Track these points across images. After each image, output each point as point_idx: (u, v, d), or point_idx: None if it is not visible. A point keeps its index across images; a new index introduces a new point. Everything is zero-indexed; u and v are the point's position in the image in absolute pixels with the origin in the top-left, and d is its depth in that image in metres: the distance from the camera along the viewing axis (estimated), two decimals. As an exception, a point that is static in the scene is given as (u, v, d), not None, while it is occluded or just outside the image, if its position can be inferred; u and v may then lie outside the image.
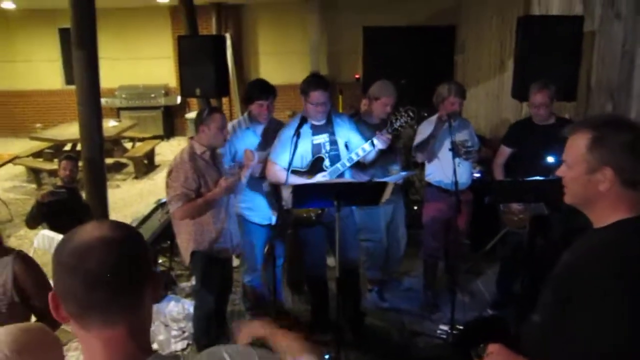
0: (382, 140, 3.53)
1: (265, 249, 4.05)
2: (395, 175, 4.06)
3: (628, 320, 1.39)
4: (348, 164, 3.64)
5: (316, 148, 3.70)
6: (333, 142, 3.69)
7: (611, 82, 4.53)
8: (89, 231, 1.07)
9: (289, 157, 3.54)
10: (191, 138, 3.53)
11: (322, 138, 3.70)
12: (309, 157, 3.68)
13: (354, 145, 3.70)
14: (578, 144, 1.53)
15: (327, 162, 3.67)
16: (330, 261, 4.13)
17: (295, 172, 3.64)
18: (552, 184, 3.63)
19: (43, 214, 4.90)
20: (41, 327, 1.57)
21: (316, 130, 3.70)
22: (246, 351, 1.21)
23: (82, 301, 1.04)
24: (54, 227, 4.76)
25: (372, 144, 3.57)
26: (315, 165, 3.68)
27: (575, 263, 1.55)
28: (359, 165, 3.90)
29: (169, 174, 3.38)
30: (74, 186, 5.24)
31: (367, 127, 4.01)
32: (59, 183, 5.22)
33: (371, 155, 3.73)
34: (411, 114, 3.51)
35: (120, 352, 1.07)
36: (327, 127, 3.70)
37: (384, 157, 4.01)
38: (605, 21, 4.64)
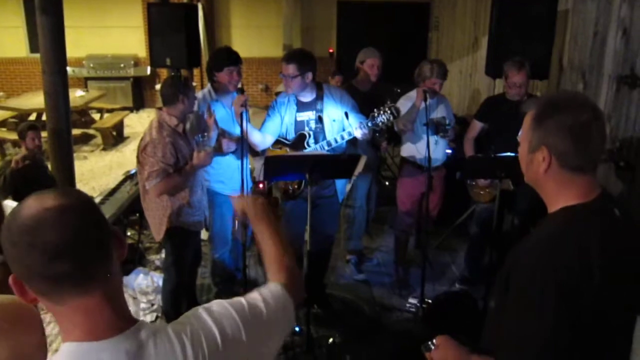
0: (361, 133, 3.47)
1: (236, 222, 4.00)
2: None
3: (551, 316, 1.33)
4: (327, 148, 3.59)
5: (299, 125, 3.66)
6: (318, 120, 3.64)
7: (583, 61, 4.58)
8: (35, 204, 1.00)
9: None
10: (159, 109, 3.40)
11: (307, 115, 3.65)
12: (292, 133, 3.66)
13: (346, 123, 3.62)
14: (525, 122, 1.48)
15: (311, 140, 3.64)
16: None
17: (278, 143, 3.69)
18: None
19: (14, 183, 4.73)
20: (16, 301, 1.47)
21: (302, 107, 3.66)
22: (224, 310, 1.20)
23: (48, 276, 0.98)
24: (19, 200, 4.63)
25: (350, 134, 3.52)
26: (299, 142, 3.66)
27: (517, 250, 1.50)
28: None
29: (144, 148, 3.24)
30: (39, 157, 5.10)
31: (359, 95, 3.95)
32: (23, 154, 5.05)
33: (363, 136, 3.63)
34: (394, 111, 3.42)
35: (99, 320, 1.04)
36: (315, 104, 3.64)
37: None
38: (578, 1, 4.67)
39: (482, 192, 4.06)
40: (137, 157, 3.32)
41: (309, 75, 3.55)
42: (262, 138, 3.72)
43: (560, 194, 1.45)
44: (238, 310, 1.21)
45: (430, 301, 3.92)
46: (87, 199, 1.08)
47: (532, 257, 1.40)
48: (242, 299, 1.26)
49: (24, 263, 0.98)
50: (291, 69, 3.51)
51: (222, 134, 3.69)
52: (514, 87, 3.94)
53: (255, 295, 1.29)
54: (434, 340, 1.65)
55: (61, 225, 0.98)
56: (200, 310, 1.18)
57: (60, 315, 1.04)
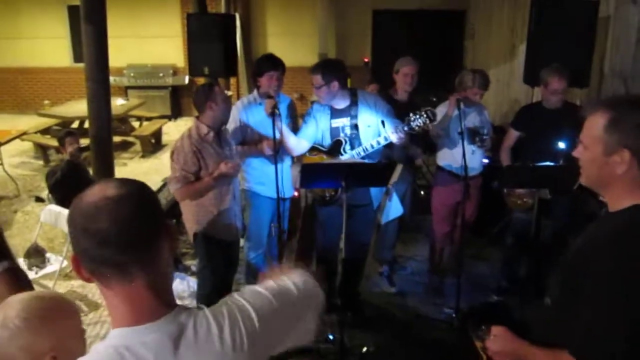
0: (397, 137, 3.45)
1: (273, 226, 4.02)
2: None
3: (626, 308, 1.37)
4: (363, 154, 3.60)
5: (334, 131, 3.70)
6: (354, 126, 3.66)
7: (625, 68, 4.49)
8: (97, 192, 1.09)
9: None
10: (196, 117, 3.46)
11: (342, 122, 3.69)
12: (328, 139, 3.70)
13: (382, 129, 3.61)
14: (595, 125, 1.48)
15: (347, 146, 3.66)
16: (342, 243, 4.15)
17: (315, 150, 3.73)
18: (561, 170, 3.63)
19: (65, 181, 4.90)
20: (56, 295, 1.56)
21: (335, 114, 3.69)
22: (256, 292, 1.25)
23: (96, 259, 1.07)
24: (61, 202, 4.78)
25: (387, 139, 3.51)
26: (335, 148, 3.69)
27: (585, 246, 1.53)
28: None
29: (172, 155, 3.36)
30: (80, 161, 5.25)
31: (394, 104, 3.94)
32: (66, 158, 5.21)
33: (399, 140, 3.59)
34: (431, 115, 3.38)
35: (141, 306, 1.10)
36: (350, 110, 3.67)
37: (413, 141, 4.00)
38: (620, 6, 4.58)
39: (519, 202, 4.00)
40: (170, 163, 3.42)
41: (335, 84, 3.57)
42: (298, 143, 3.77)
43: (631, 194, 1.48)
44: (269, 289, 1.27)
45: (465, 311, 3.87)
46: (145, 191, 1.15)
47: (611, 249, 1.42)
48: (271, 281, 1.32)
49: (80, 244, 1.08)
50: (316, 79, 3.59)
51: (260, 138, 3.76)
52: (554, 94, 3.87)
53: (284, 278, 1.35)
54: (485, 328, 1.65)
55: (115, 214, 1.06)
56: (235, 294, 1.24)
57: (108, 298, 1.12)
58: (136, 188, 1.12)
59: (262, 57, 4.07)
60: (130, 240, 1.07)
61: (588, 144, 1.51)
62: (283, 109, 3.84)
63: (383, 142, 3.55)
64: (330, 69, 3.61)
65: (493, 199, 4.40)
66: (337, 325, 3.53)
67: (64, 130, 5.34)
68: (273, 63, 3.81)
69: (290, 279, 1.35)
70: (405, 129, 3.43)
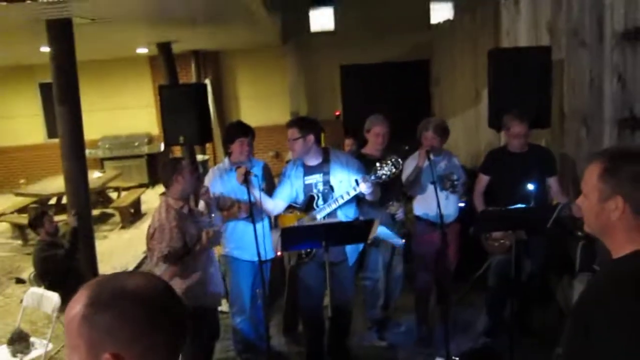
0: (366, 186, 3.53)
1: (257, 291, 4.04)
2: (389, 233, 4.10)
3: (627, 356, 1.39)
4: (334, 205, 3.68)
5: (307, 188, 3.78)
6: (326, 182, 3.75)
7: (583, 107, 4.69)
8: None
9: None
10: (163, 194, 3.50)
11: (314, 178, 3.78)
12: (302, 196, 3.79)
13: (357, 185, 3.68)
14: (592, 174, 1.57)
15: (320, 201, 3.74)
16: (326, 300, 4.15)
17: (290, 207, 3.81)
18: (532, 212, 3.74)
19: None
20: None
21: (309, 171, 3.79)
22: None
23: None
24: (48, 280, 4.74)
25: (355, 189, 3.59)
26: (309, 204, 3.77)
27: (589, 294, 1.57)
28: (364, 201, 3.90)
29: (152, 236, 3.31)
30: (59, 240, 5.23)
31: (368, 161, 4.02)
32: (42, 238, 5.18)
33: (370, 193, 3.65)
34: (395, 163, 3.49)
35: None
36: (322, 167, 3.77)
37: (383, 194, 4.04)
38: (571, 50, 4.83)
39: (496, 244, 4.09)
40: (147, 243, 3.39)
41: (311, 138, 3.70)
42: (274, 205, 3.85)
43: (630, 240, 1.53)
44: None
45: (456, 359, 3.88)
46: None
47: (613, 297, 1.46)
48: None
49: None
50: (292, 132, 3.72)
51: (233, 203, 3.82)
52: (517, 138, 4.03)
53: None
54: None
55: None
56: None
57: None
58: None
59: (231, 124, 4.21)
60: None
61: (587, 192, 1.59)
62: (258, 172, 3.92)
63: (353, 193, 3.62)
64: (307, 124, 3.76)
65: (473, 243, 4.48)
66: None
67: (35, 212, 5.31)
68: (242, 129, 3.95)
69: None
70: (372, 178, 3.52)
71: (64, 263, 4.94)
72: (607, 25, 4.24)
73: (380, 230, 4.04)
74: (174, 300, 1.11)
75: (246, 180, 3.56)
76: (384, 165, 3.50)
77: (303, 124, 3.75)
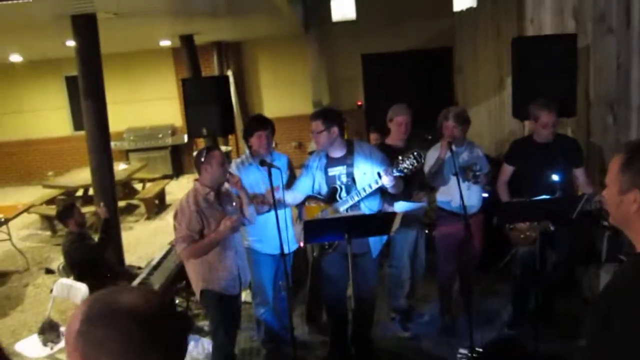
0: (389, 179, 3.53)
1: (281, 284, 4.10)
2: (412, 205, 4.13)
3: None
4: (356, 198, 3.68)
5: (331, 179, 3.80)
6: (349, 174, 3.76)
7: (609, 95, 4.60)
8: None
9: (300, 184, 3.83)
10: (196, 180, 3.63)
11: (338, 170, 3.79)
12: (325, 188, 3.80)
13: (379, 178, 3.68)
14: (614, 166, 1.57)
15: (343, 193, 3.75)
16: (350, 291, 4.18)
17: (312, 199, 3.83)
18: (557, 202, 3.70)
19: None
20: None
21: (332, 163, 3.81)
22: None
23: None
24: (77, 271, 4.84)
25: (377, 182, 3.59)
26: (332, 196, 3.79)
27: (611, 287, 1.58)
28: (387, 193, 3.91)
29: (175, 216, 3.50)
30: (87, 232, 5.32)
31: (392, 152, 4.03)
32: (71, 230, 5.28)
33: (393, 186, 3.65)
34: (417, 157, 3.48)
35: None
36: (346, 159, 3.78)
37: (407, 186, 4.05)
38: (597, 36, 4.73)
39: (522, 236, 4.05)
40: (173, 224, 3.54)
41: (335, 130, 3.70)
42: (292, 196, 3.90)
43: None
44: None
45: (480, 350, 3.87)
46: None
47: (633, 290, 1.46)
48: None
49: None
50: (317, 124, 3.72)
51: (254, 196, 3.85)
52: (545, 128, 3.96)
53: None
54: None
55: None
56: None
57: None
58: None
59: (251, 118, 4.25)
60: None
61: (609, 183, 1.60)
62: (282, 166, 3.95)
63: (375, 186, 3.63)
64: (331, 116, 3.75)
65: (497, 233, 4.45)
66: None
67: (63, 205, 5.39)
68: (261, 122, 3.98)
69: None
70: (394, 171, 3.52)
71: (93, 254, 5.03)
72: (635, 10, 4.15)
73: (403, 206, 4.05)
74: (170, 317, 1.11)
75: (269, 173, 3.60)
76: (406, 158, 3.49)
77: (327, 116, 3.75)
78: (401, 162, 3.51)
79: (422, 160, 3.57)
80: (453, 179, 3.98)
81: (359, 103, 11.38)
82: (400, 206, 4.15)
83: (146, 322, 1.07)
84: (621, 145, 1.65)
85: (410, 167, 3.49)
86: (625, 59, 4.35)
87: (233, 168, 3.97)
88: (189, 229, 3.41)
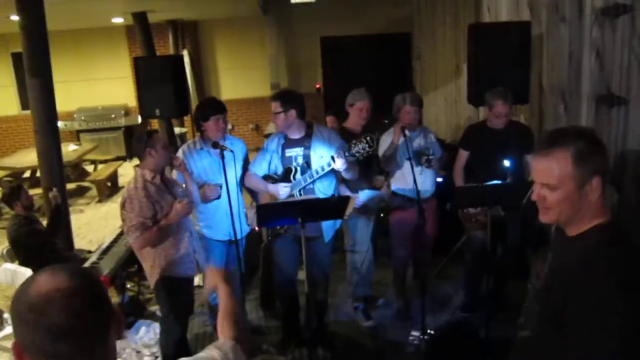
0: (341, 162, 3.52)
1: (233, 268, 4.03)
2: (376, 192, 4.14)
3: (624, 325, 1.41)
4: (309, 180, 3.67)
5: (287, 160, 3.78)
6: (306, 156, 3.74)
7: (561, 83, 4.68)
8: (45, 282, 1.07)
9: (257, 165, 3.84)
10: (137, 166, 3.49)
11: (295, 151, 3.77)
12: (281, 168, 3.78)
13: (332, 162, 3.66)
14: (561, 165, 1.54)
15: (297, 175, 3.73)
16: (302, 274, 4.15)
17: (268, 178, 3.80)
18: (508, 188, 3.76)
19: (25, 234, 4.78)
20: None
21: (290, 144, 3.78)
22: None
23: (48, 353, 1.05)
24: (23, 255, 4.66)
25: (329, 164, 3.58)
26: (286, 176, 3.76)
27: (559, 275, 1.57)
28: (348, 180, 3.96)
29: (123, 205, 3.34)
30: (32, 215, 5.13)
31: (349, 136, 4.01)
32: (18, 212, 5.07)
33: (346, 170, 3.65)
34: (370, 141, 3.46)
35: None
36: (304, 141, 3.76)
37: (364, 169, 4.07)
38: (551, 25, 4.80)
39: (473, 220, 4.12)
40: (120, 214, 3.40)
41: (293, 113, 3.67)
42: (247, 177, 3.90)
43: (594, 216, 1.57)
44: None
45: (432, 332, 3.93)
46: (94, 281, 1.15)
47: (598, 273, 1.48)
48: (202, 353, 1.49)
49: (27, 336, 1.05)
50: (275, 105, 3.69)
51: (201, 186, 3.78)
52: (499, 117, 4.01)
53: (212, 351, 1.50)
54: None
55: (67, 308, 1.04)
56: None
57: None
58: (85, 280, 1.11)
59: (204, 101, 4.12)
60: (85, 333, 1.06)
61: (557, 184, 1.55)
62: (237, 151, 3.87)
63: (327, 168, 3.61)
64: (290, 99, 3.70)
65: (452, 217, 4.50)
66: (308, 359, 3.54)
67: (9, 187, 5.17)
68: (217, 106, 3.86)
69: (218, 346, 1.52)
70: (347, 154, 3.51)
71: (42, 239, 4.86)
72: (587, 0, 4.22)
73: (366, 194, 4.07)
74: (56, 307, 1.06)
75: (222, 156, 3.52)
76: (359, 142, 3.47)
77: (285, 98, 3.70)
78: (353, 145, 3.49)
79: (375, 145, 3.56)
80: (406, 164, 4.00)
81: (318, 86, 11.31)
82: (364, 194, 4.16)
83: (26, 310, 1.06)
84: (545, 147, 1.61)
85: (362, 151, 3.47)
86: (577, 48, 4.43)
87: (180, 154, 3.86)
88: (141, 216, 3.28)
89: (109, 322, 1.12)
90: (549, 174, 1.56)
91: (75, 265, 1.19)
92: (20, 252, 4.93)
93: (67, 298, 1.05)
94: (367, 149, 3.47)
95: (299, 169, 3.74)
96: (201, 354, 1.47)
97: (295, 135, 3.77)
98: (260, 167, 3.85)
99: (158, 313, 4.70)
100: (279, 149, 3.80)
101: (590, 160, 1.53)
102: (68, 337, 1.04)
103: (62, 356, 1.05)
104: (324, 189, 3.75)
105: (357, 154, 3.50)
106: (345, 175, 3.72)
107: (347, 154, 3.51)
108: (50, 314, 1.03)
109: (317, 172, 3.65)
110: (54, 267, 1.11)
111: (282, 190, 3.67)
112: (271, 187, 3.74)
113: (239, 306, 1.71)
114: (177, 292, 3.53)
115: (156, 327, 4.35)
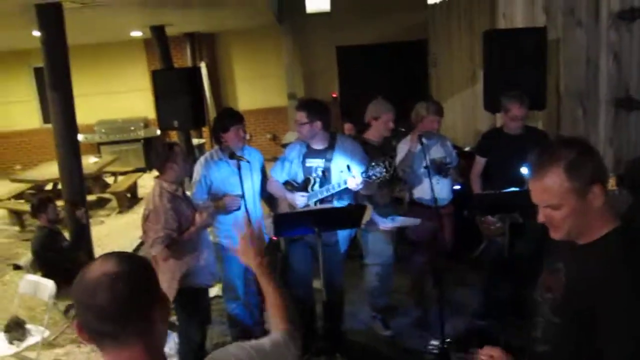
0: (355, 183, 3.46)
1: (250, 277, 4.05)
2: (408, 220, 4.11)
3: None
4: (325, 193, 3.65)
5: (307, 170, 3.76)
6: (326, 169, 3.71)
7: (579, 88, 4.65)
8: (97, 267, 1.20)
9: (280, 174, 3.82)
10: (157, 177, 3.50)
11: (316, 162, 3.75)
12: (301, 177, 3.77)
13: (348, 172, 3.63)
14: (556, 183, 1.52)
15: (316, 186, 3.72)
16: (317, 283, 4.15)
17: (287, 184, 3.80)
18: (526, 195, 3.71)
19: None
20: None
21: (311, 153, 3.77)
22: (239, 347, 1.49)
23: (96, 331, 1.19)
24: (45, 267, 4.74)
25: (345, 182, 3.53)
26: (304, 186, 3.75)
27: (588, 282, 1.54)
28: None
29: (147, 217, 3.36)
30: (56, 227, 5.21)
31: (370, 148, 4.00)
32: (43, 224, 5.16)
33: (362, 189, 3.58)
34: (387, 166, 3.38)
35: None
36: (326, 152, 3.73)
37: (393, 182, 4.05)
38: (567, 29, 4.77)
39: (492, 227, 4.08)
40: (142, 226, 3.41)
41: (318, 124, 3.65)
42: (268, 184, 3.92)
43: (605, 222, 1.55)
44: (252, 345, 1.51)
45: (450, 341, 3.90)
46: (138, 265, 1.24)
47: (627, 281, 1.45)
48: (252, 341, 1.54)
49: (81, 315, 1.21)
50: (301, 115, 3.67)
51: (223, 195, 3.81)
52: (515, 121, 3.98)
53: (264, 340, 1.59)
54: (476, 350, 1.70)
55: (112, 291, 1.16)
56: (220, 349, 1.48)
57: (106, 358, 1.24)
58: (132, 264, 1.21)
59: (222, 113, 4.15)
60: (127, 315, 1.17)
61: (559, 202, 1.54)
62: (255, 162, 3.90)
63: (343, 186, 3.57)
64: (316, 109, 3.68)
65: (470, 224, 4.47)
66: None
67: (37, 199, 5.27)
68: (236, 117, 3.88)
69: (271, 338, 1.57)
70: (363, 175, 3.45)
71: (64, 253, 4.95)
72: (604, 4, 4.19)
73: (399, 221, 4.07)
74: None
75: (238, 167, 3.55)
76: (376, 166, 3.40)
77: (312, 109, 3.67)
78: (371, 168, 3.43)
79: (391, 171, 3.45)
80: (423, 172, 3.99)
81: (334, 95, 11.35)
82: (396, 221, 4.11)
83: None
84: (537, 168, 1.60)
85: (379, 175, 3.39)
86: (594, 52, 4.40)
87: (201, 166, 3.88)
88: (167, 228, 3.30)
89: (153, 305, 1.21)
90: (549, 195, 1.54)
91: (128, 252, 1.26)
92: (43, 264, 5.01)
93: (113, 281, 1.16)
94: (384, 173, 3.39)
95: (317, 180, 3.72)
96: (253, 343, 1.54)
97: (318, 145, 3.75)
98: (280, 174, 3.85)
99: (177, 323, 4.73)
100: (300, 157, 3.79)
101: (584, 168, 1.50)
102: (110, 318, 1.16)
103: (107, 334, 1.18)
104: (341, 199, 3.74)
105: (373, 177, 3.42)
106: (362, 192, 3.68)
107: (363, 175, 3.45)
108: (98, 297, 1.15)
109: (334, 188, 3.64)
110: (108, 253, 1.24)
111: (299, 200, 3.67)
112: (289, 195, 3.74)
113: (283, 296, 1.81)
114: (194, 302, 3.56)
115: (175, 337, 4.38)
